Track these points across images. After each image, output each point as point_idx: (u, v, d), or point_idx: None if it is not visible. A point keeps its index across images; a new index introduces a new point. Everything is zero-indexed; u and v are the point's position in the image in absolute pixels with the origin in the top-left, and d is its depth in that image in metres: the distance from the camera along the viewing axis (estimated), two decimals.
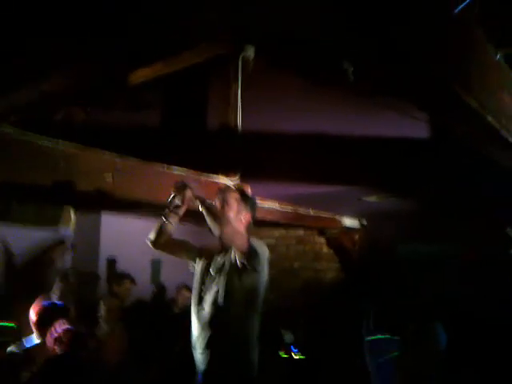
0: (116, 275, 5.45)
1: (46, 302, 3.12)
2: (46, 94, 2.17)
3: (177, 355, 4.48)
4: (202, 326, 2.68)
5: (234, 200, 2.77)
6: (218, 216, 2.62)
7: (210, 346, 2.65)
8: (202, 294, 2.77)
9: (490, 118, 2.37)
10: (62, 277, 5.49)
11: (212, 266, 2.83)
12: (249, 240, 2.63)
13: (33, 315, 2.99)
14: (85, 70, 2.06)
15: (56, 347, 2.77)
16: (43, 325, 2.96)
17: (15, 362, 2.82)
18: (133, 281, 5.10)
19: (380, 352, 3.16)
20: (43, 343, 2.89)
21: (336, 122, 3.26)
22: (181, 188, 2.77)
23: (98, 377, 2.30)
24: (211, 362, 2.64)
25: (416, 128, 3.23)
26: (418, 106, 2.54)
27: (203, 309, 2.71)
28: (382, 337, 3.23)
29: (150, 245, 2.92)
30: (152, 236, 2.89)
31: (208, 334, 2.66)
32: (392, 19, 1.88)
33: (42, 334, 2.94)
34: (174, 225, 2.83)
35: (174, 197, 2.78)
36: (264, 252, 2.71)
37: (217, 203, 2.75)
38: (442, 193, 4.88)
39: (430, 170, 4.20)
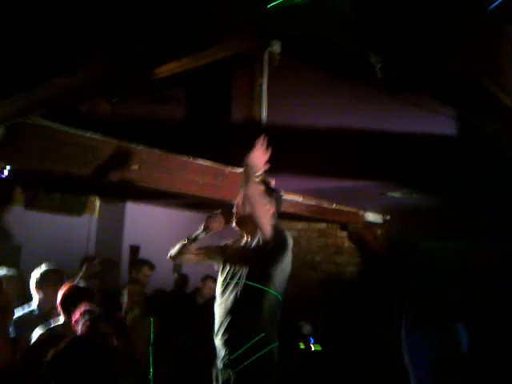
0: (136, 262, 5.52)
1: (70, 285, 3.23)
2: (72, 87, 2.20)
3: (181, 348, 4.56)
4: (225, 312, 2.74)
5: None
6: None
7: (231, 331, 2.69)
8: (226, 281, 2.82)
9: None
10: (86, 262, 5.61)
11: (236, 254, 2.89)
12: (276, 227, 2.69)
13: (59, 296, 3.10)
14: (111, 64, 2.09)
15: (77, 328, 2.85)
16: (67, 306, 3.07)
17: (42, 340, 2.92)
18: (151, 266, 5.15)
19: (418, 347, 3.14)
20: (68, 324, 2.99)
21: (361, 117, 3.23)
22: (212, 218, 2.88)
23: (114, 361, 2.34)
24: (232, 347, 2.69)
25: (441, 124, 3.18)
26: (448, 103, 2.51)
27: (226, 295, 2.77)
28: (422, 332, 3.20)
29: (170, 260, 3.02)
30: (173, 253, 2.99)
31: (229, 319, 2.71)
32: (423, 17, 1.86)
33: (67, 314, 3.06)
34: (196, 246, 2.92)
35: (205, 228, 2.93)
36: (289, 241, 2.75)
37: (240, 196, 2.81)
38: (467, 190, 4.82)
39: (456, 166, 4.14)
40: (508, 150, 3.05)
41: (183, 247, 2.97)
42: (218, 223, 2.93)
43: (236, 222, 2.86)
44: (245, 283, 2.71)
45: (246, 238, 2.90)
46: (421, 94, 2.60)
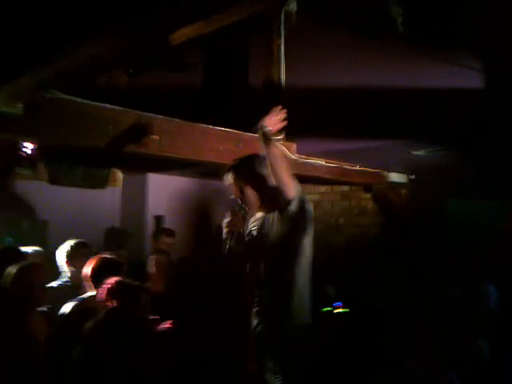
0: (154, 232, 5.54)
1: (99, 257, 3.23)
2: (89, 59, 2.17)
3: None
4: (257, 287, 2.76)
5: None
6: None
7: (265, 304, 2.73)
8: (252, 260, 2.84)
9: None
10: (111, 234, 5.68)
11: (252, 229, 2.88)
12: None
13: (88, 269, 3.12)
14: (125, 33, 2.04)
15: (108, 299, 2.85)
16: (97, 278, 3.07)
17: (76, 312, 2.96)
18: (169, 234, 5.13)
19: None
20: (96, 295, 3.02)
21: (381, 74, 3.15)
22: (231, 221, 2.84)
23: (152, 332, 2.36)
24: (267, 318, 2.72)
25: (467, 78, 3.09)
26: (477, 55, 2.41)
27: (255, 267, 2.79)
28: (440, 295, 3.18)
29: None
30: None
31: (262, 289, 2.74)
32: None
33: (97, 286, 3.06)
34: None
35: (230, 232, 2.86)
36: (306, 198, 2.73)
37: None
38: (493, 146, 4.70)
39: (481, 121, 4.03)
40: None
41: None
42: (238, 222, 2.86)
43: (249, 209, 2.83)
44: (269, 257, 2.71)
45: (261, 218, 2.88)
46: (444, 47, 2.51)
